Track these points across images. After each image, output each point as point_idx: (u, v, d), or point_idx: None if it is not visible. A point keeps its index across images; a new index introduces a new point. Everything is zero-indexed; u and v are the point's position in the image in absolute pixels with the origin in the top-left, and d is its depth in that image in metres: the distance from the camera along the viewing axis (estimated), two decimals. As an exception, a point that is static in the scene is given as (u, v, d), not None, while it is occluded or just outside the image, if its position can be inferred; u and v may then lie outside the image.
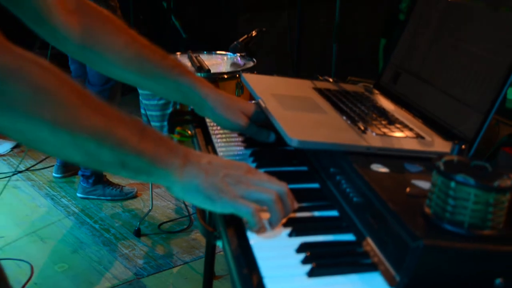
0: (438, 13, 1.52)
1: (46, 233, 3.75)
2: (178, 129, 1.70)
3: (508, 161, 1.34)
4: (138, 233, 3.71)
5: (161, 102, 3.19)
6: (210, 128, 1.55)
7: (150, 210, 3.90)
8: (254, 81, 1.56)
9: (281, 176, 1.09)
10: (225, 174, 1.03)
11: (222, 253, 2.81)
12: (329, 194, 1.16)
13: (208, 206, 1.04)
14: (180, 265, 3.42)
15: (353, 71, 3.99)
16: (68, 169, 4.48)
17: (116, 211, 4.04)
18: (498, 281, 0.86)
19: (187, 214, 3.87)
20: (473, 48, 1.35)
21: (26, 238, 3.68)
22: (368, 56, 7.08)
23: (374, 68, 7.06)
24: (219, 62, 3.18)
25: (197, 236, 3.67)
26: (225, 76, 2.89)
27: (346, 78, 4.51)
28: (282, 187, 1.04)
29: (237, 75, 2.90)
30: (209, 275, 2.17)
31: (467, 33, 1.39)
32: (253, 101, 1.47)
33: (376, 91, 1.64)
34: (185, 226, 3.79)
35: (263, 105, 1.37)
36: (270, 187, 1.04)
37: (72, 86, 0.93)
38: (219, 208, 1.02)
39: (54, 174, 4.51)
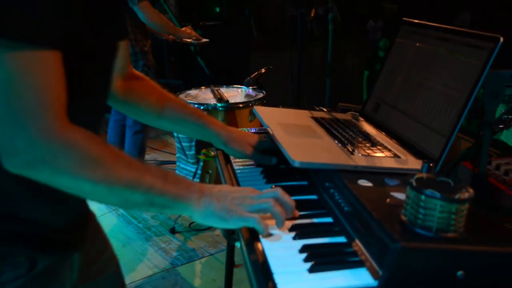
0: (409, 56, 1.52)
1: (99, 229, 3.75)
2: (203, 151, 1.74)
3: (466, 173, 1.33)
4: (173, 231, 3.71)
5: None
6: (228, 150, 1.54)
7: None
8: (263, 112, 1.57)
9: (285, 189, 1.09)
10: (232, 198, 1.06)
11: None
12: (324, 204, 1.15)
13: (223, 225, 1.06)
14: (207, 256, 3.41)
15: (343, 97, 4.00)
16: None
17: (155, 213, 4.03)
18: (460, 273, 0.86)
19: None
20: (436, 85, 1.34)
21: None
22: (355, 84, 7.09)
23: (359, 94, 7.07)
24: (236, 93, 3.18)
25: (220, 233, 3.66)
26: (241, 105, 2.89)
27: (337, 103, 4.50)
28: (275, 192, 1.06)
29: (250, 104, 2.91)
30: (230, 264, 2.17)
31: (432, 72, 1.39)
32: (256, 129, 1.48)
33: (361, 119, 1.63)
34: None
35: (270, 132, 1.37)
36: (266, 196, 1.05)
37: (108, 148, 0.98)
38: (231, 224, 1.05)
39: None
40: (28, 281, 1.08)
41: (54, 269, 1.16)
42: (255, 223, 1.02)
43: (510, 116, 1.72)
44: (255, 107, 1.63)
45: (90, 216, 1.34)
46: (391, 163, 1.23)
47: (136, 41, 3.80)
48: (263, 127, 1.52)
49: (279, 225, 1.03)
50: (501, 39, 1.15)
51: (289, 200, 1.07)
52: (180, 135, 3.20)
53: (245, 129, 1.62)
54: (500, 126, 1.74)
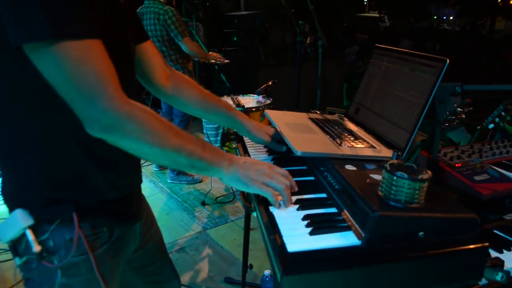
0: (381, 72, 1.50)
1: (150, 202, 3.75)
2: (227, 143, 1.73)
3: (423, 159, 1.32)
4: (203, 203, 3.70)
5: (215, 126, 3.20)
6: (246, 143, 1.53)
7: (210, 190, 3.90)
8: (272, 114, 1.56)
9: (290, 173, 1.09)
10: (255, 169, 1.05)
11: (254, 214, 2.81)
12: (320, 183, 1.15)
13: (245, 189, 1.06)
14: (229, 222, 3.41)
15: (329, 102, 4.00)
16: (162, 166, 4.49)
17: (190, 190, 4.02)
18: (421, 233, 0.87)
19: (232, 192, 3.84)
20: (402, 94, 1.33)
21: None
22: (336, 93, 7.08)
23: (340, 100, 7.08)
24: (249, 100, 3.17)
25: (239, 205, 3.66)
26: (253, 109, 2.89)
27: (325, 107, 4.49)
28: (288, 181, 1.06)
29: (260, 108, 2.90)
30: (247, 228, 2.18)
31: (398, 84, 1.37)
32: (272, 126, 1.48)
33: (346, 119, 1.62)
34: (231, 199, 3.77)
35: (278, 129, 1.36)
36: (282, 179, 1.05)
37: (162, 121, 0.95)
38: (251, 190, 1.04)
39: (154, 169, 4.50)
40: (109, 247, 1.08)
41: (125, 236, 1.16)
42: (269, 195, 1.02)
43: (453, 117, 1.71)
44: (266, 110, 1.61)
45: (143, 196, 1.33)
46: (369, 152, 1.22)
47: (184, 64, 3.82)
48: (272, 125, 1.51)
49: (286, 204, 1.02)
50: (448, 61, 1.15)
51: (295, 186, 1.07)
52: (208, 132, 3.20)
53: None
54: (446, 124, 1.73)
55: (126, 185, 1.14)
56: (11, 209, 1.01)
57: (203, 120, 3.34)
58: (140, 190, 1.27)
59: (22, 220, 0.98)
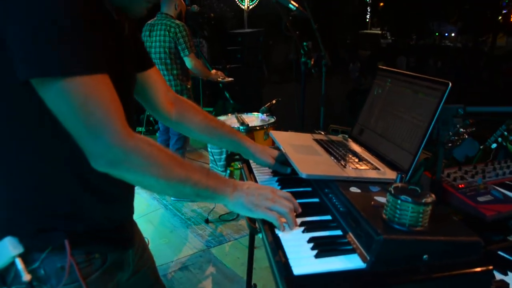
0: (384, 94, 1.52)
1: (153, 219, 3.76)
2: (232, 163, 1.75)
3: (426, 180, 1.33)
4: (207, 221, 3.69)
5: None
6: (251, 164, 1.54)
7: (214, 207, 3.88)
8: (277, 135, 1.57)
9: (294, 194, 1.11)
10: (258, 194, 1.06)
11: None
12: (325, 205, 1.15)
13: (249, 215, 1.06)
14: (232, 240, 3.40)
15: (332, 118, 4.02)
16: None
17: (193, 207, 4.01)
18: (425, 256, 0.87)
19: (236, 209, 3.83)
20: (405, 116, 1.34)
21: (141, 219, 3.71)
22: (340, 110, 7.11)
23: (343, 118, 7.11)
24: (253, 118, 3.19)
25: (242, 222, 3.65)
26: (257, 128, 2.91)
27: (329, 125, 4.49)
28: (292, 204, 1.06)
29: (265, 127, 2.92)
30: (251, 247, 2.18)
31: (402, 106, 1.38)
32: (273, 146, 1.49)
33: (350, 140, 1.63)
34: (235, 216, 3.75)
35: (283, 151, 1.37)
36: (285, 203, 1.05)
37: (166, 153, 0.97)
38: (256, 215, 1.05)
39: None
40: (102, 273, 1.07)
41: (118, 262, 1.15)
42: (274, 220, 1.02)
43: (456, 137, 1.73)
44: (271, 131, 1.62)
45: (135, 223, 1.32)
46: (374, 174, 1.23)
47: (183, 81, 3.87)
48: (276, 145, 1.53)
49: (291, 226, 1.03)
50: (450, 84, 1.17)
51: (298, 208, 1.08)
52: (212, 150, 3.22)
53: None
54: (449, 144, 1.75)
55: (119, 216, 1.15)
56: (0, 237, 0.98)
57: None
58: (132, 218, 1.28)
59: (11, 248, 0.96)
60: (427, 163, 2.03)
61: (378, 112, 1.51)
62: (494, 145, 2.00)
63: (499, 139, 2.00)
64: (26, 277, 0.96)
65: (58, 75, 0.82)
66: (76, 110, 0.85)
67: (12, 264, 0.97)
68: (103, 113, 0.86)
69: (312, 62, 1.92)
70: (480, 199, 1.22)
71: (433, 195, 0.92)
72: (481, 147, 2.06)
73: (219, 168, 2.91)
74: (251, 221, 1.33)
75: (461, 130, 1.72)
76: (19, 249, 0.96)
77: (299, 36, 1.86)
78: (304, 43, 1.90)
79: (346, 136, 1.65)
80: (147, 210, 3.93)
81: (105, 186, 1.03)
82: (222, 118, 3.20)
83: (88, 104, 0.85)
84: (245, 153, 1.43)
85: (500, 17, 27.82)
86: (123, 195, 1.15)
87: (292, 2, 1.64)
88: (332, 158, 1.36)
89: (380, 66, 1.61)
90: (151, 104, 1.33)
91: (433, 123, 1.19)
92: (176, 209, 4.00)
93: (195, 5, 4.79)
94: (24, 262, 0.97)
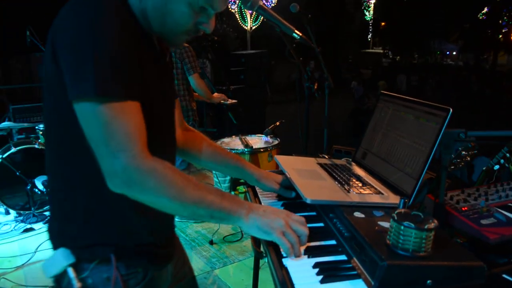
0: (386, 119, 1.54)
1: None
2: (238, 187, 1.78)
3: (430, 203, 1.34)
4: (211, 242, 3.69)
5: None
6: (256, 188, 1.55)
7: (218, 228, 3.89)
8: (282, 159, 1.59)
9: (299, 218, 1.12)
10: (274, 218, 1.06)
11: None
12: (329, 230, 1.17)
13: (264, 237, 1.06)
14: (237, 262, 3.39)
15: (335, 138, 4.05)
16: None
17: (198, 229, 4.01)
18: (429, 281, 0.89)
19: (240, 231, 3.82)
20: (407, 141, 1.36)
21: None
22: (343, 129, 7.14)
23: (346, 136, 7.13)
24: (257, 140, 3.21)
25: (246, 244, 3.64)
26: (261, 150, 2.93)
27: (332, 145, 4.51)
28: (306, 229, 1.07)
29: (269, 149, 2.94)
30: (256, 268, 2.18)
31: (404, 131, 1.40)
32: (278, 170, 1.51)
33: (354, 164, 1.65)
34: (239, 238, 3.75)
35: (288, 176, 1.39)
36: (300, 228, 1.06)
37: (181, 175, 1.00)
38: (270, 239, 1.05)
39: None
40: (143, 286, 1.13)
41: (158, 276, 1.20)
42: (286, 247, 1.03)
43: (459, 160, 1.75)
44: (275, 156, 1.65)
45: (176, 237, 1.37)
46: (377, 199, 1.25)
47: (189, 102, 3.92)
48: (280, 169, 1.54)
49: (297, 256, 1.03)
50: (451, 110, 1.20)
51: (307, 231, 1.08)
52: (216, 171, 3.24)
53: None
54: (452, 167, 1.77)
55: (162, 232, 1.21)
56: (55, 247, 1.10)
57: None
58: (174, 232, 1.34)
59: (64, 258, 1.07)
60: (430, 184, 2.04)
61: (381, 136, 1.53)
62: (496, 167, 2.01)
63: (502, 161, 2.01)
64: (77, 284, 1.06)
65: (92, 96, 0.90)
66: (101, 129, 0.92)
67: (65, 272, 1.07)
68: (125, 135, 0.93)
69: (315, 87, 1.96)
70: (483, 222, 1.24)
71: (435, 221, 0.94)
72: (484, 168, 2.07)
73: (224, 191, 2.93)
74: (256, 245, 1.35)
75: (463, 153, 1.75)
76: (71, 259, 1.07)
77: (302, 62, 1.90)
78: (308, 68, 1.94)
79: (350, 159, 1.67)
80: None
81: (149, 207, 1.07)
82: (226, 140, 3.23)
83: (113, 125, 0.92)
84: (250, 180, 1.46)
85: (500, 36, 28.05)
86: (165, 216, 1.18)
87: (296, 31, 1.68)
88: (336, 182, 1.38)
89: (382, 91, 1.64)
90: None
91: (434, 148, 1.21)
92: (180, 230, 4.00)
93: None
94: (76, 271, 1.07)
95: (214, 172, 3.27)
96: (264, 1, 7.95)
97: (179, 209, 1.01)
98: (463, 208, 1.31)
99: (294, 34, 1.67)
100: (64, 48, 0.93)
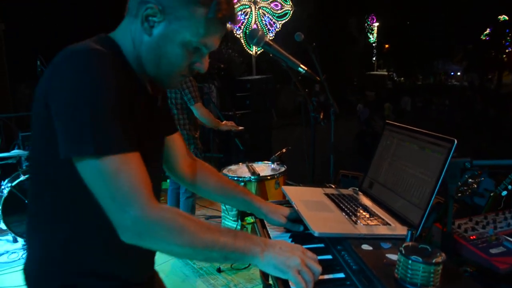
0: (392, 149, 1.55)
1: (164, 268, 3.73)
2: (246, 218, 1.78)
3: (437, 232, 1.34)
4: (219, 270, 3.65)
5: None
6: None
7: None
8: (289, 191, 1.60)
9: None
10: (290, 255, 1.04)
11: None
12: (338, 263, 1.16)
13: (280, 276, 1.04)
14: (245, 290, 3.37)
15: (342, 163, 4.05)
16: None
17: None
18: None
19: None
20: (413, 171, 1.37)
21: (154, 273, 3.67)
22: (349, 152, 7.14)
23: (352, 159, 7.14)
24: (264, 168, 3.22)
25: (254, 271, 3.61)
26: (268, 177, 2.94)
27: (338, 170, 4.50)
28: (320, 267, 1.06)
29: (275, 176, 2.95)
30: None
31: (409, 161, 1.41)
32: (285, 200, 1.52)
33: (361, 193, 1.65)
34: (246, 265, 3.69)
35: (296, 208, 1.40)
36: (315, 267, 1.05)
37: (191, 220, 1.00)
38: (287, 277, 1.03)
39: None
40: None
41: None
42: (301, 287, 1.02)
43: (465, 188, 1.75)
44: (283, 187, 1.66)
45: (155, 273, 1.36)
46: (384, 231, 1.25)
47: (190, 131, 3.95)
48: (288, 200, 1.56)
49: None
50: (456, 142, 1.21)
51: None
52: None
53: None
54: (459, 194, 1.77)
55: (141, 273, 1.21)
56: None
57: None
58: (152, 272, 1.34)
59: None
60: (439, 209, 2.04)
61: (387, 166, 1.55)
62: (504, 193, 2.01)
63: (509, 187, 2.01)
64: None
65: (93, 154, 0.92)
66: (106, 185, 0.93)
67: None
68: (130, 189, 0.94)
69: (321, 117, 1.98)
70: (493, 251, 1.23)
71: (443, 254, 0.94)
72: (491, 194, 2.06)
73: (231, 218, 2.92)
74: (265, 277, 1.35)
75: (470, 180, 1.75)
76: None
77: (308, 94, 1.93)
78: (313, 99, 1.97)
79: (357, 189, 1.68)
80: (159, 260, 3.90)
81: (129, 247, 1.07)
82: (233, 167, 3.24)
83: (117, 179, 0.93)
84: (257, 213, 1.47)
85: (504, 56, 28.18)
86: (146, 254, 1.20)
87: (301, 66, 1.71)
88: (343, 213, 1.39)
89: (388, 121, 1.65)
90: (170, 166, 1.41)
91: (440, 179, 1.22)
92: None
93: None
94: None
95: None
96: (268, 26, 8.06)
97: (193, 255, 1.01)
98: (471, 237, 1.31)
99: (300, 69, 1.71)
100: (58, 103, 0.94)
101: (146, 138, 1.10)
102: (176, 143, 1.39)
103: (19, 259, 3.98)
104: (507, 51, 28.06)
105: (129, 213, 0.93)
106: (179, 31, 1.03)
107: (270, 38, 7.94)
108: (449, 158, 1.20)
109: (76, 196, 1.02)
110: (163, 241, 0.97)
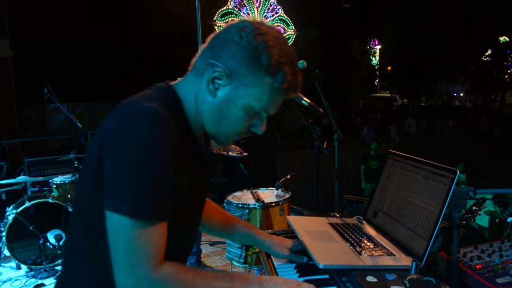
0: (395, 178, 1.56)
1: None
2: (251, 248, 1.79)
3: (443, 260, 1.34)
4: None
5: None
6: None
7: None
8: (293, 220, 1.60)
9: (312, 282, 1.13)
10: None
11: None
12: None
13: None
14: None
15: (347, 186, 4.06)
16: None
17: None
18: None
19: None
20: (416, 201, 1.38)
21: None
22: (353, 174, 7.13)
23: (356, 182, 7.12)
24: (269, 194, 3.21)
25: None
26: (273, 204, 2.93)
27: (343, 195, 4.50)
28: None
29: (280, 203, 2.95)
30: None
31: (413, 191, 1.42)
32: (289, 229, 1.52)
33: (365, 222, 1.65)
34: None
35: (300, 239, 1.41)
36: None
37: (189, 272, 1.04)
38: None
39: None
40: None
41: None
42: None
43: (470, 215, 1.75)
44: (287, 217, 1.66)
45: None
46: (389, 261, 1.25)
47: None
48: (291, 229, 1.57)
49: None
50: (458, 172, 1.22)
51: None
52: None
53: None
54: (463, 222, 1.77)
55: None
56: None
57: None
58: None
59: None
60: (444, 233, 2.03)
61: (391, 195, 1.55)
62: (510, 219, 2.00)
63: (515, 213, 2.00)
64: None
65: (126, 214, 0.96)
66: (124, 243, 0.98)
67: None
68: (144, 253, 0.98)
69: (325, 145, 2.01)
70: (499, 280, 1.22)
71: (448, 287, 0.94)
72: (497, 220, 2.06)
73: (236, 245, 2.91)
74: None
75: (474, 208, 1.75)
76: None
77: (312, 124, 1.96)
78: (317, 128, 2.00)
79: (361, 218, 1.69)
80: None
81: None
82: (237, 194, 3.24)
83: (136, 243, 0.98)
84: (262, 247, 1.49)
85: (506, 76, 28.32)
86: None
87: (305, 98, 1.74)
88: (348, 244, 1.39)
89: (391, 150, 1.67)
90: None
91: (444, 209, 1.22)
92: None
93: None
94: None
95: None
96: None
97: None
98: (477, 266, 1.30)
99: (303, 101, 1.74)
100: (110, 158, 0.99)
101: (196, 189, 1.16)
102: None
103: (22, 286, 3.95)
104: (509, 71, 28.22)
105: (133, 274, 0.97)
106: (243, 96, 1.08)
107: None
108: (452, 188, 1.20)
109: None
110: None
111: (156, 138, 0.98)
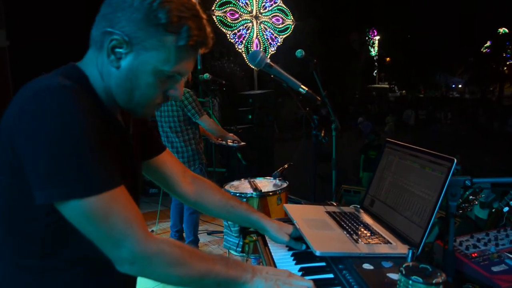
0: (393, 167, 1.57)
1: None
2: (248, 236, 1.78)
3: (439, 250, 1.35)
4: None
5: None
6: (266, 237, 1.57)
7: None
8: (291, 209, 1.61)
9: (309, 269, 1.15)
10: (276, 279, 1.08)
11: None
12: (339, 281, 1.16)
13: None
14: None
15: (345, 176, 4.07)
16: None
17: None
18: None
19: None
20: (413, 189, 1.38)
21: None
22: (351, 164, 7.14)
23: (354, 172, 7.13)
24: (267, 184, 3.21)
25: None
26: (270, 193, 2.94)
27: (340, 185, 4.50)
28: (309, 284, 1.09)
29: (277, 192, 2.96)
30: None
31: (410, 180, 1.42)
32: (287, 218, 1.52)
33: (362, 211, 1.66)
34: None
35: (297, 226, 1.41)
36: (302, 284, 1.08)
37: (186, 250, 1.03)
38: None
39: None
40: None
41: None
42: None
43: (466, 204, 1.76)
44: (285, 205, 1.67)
45: None
46: (385, 249, 1.26)
47: (195, 145, 3.98)
48: (288, 217, 1.57)
49: None
50: (455, 160, 1.22)
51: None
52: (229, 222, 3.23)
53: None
54: (460, 211, 1.77)
55: None
56: None
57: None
58: None
59: None
60: (441, 224, 2.04)
61: (388, 184, 1.56)
62: (506, 209, 2.01)
63: (511, 202, 2.01)
64: None
65: (79, 197, 0.90)
66: (98, 225, 0.93)
67: None
68: (124, 224, 0.95)
69: (322, 134, 2.00)
70: (495, 269, 1.23)
71: (444, 274, 0.94)
72: (493, 210, 2.07)
73: (233, 234, 2.92)
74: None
75: (471, 197, 1.76)
76: None
77: (309, 112, 1.95)
78: (315, 117, 1.99)
79: (358, 207, 1.69)
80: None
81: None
82: (235, 183, 3.24)
83: (109, 218, 0.93)
84: (261, 230, 1.48)
85: (505, 68, 28.31)
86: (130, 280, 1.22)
87: (302, 86, 1.73)
88: (345, 232, 1.40)
89: (388, 139, 1.67)
90: (170, 186, 1.40)
91: (441, 198, 1.23)
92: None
93: (207, 73, 4.98)
94: None
95: (225, 223, 3.27)
96: (270, 40, 8.12)
97: (188, 283, 1.03)
98: (473, 255, 1.31)
99: (301, 89, 1.73)
100: (32, 149, 0.89)
101: (122, 170, 1.06)
102: (167, 162, 1.38)
103: None
104: (508, 63, 28.19)
105: (125, 248, 0.94)
106: (149, 61, 0.99)
107: (272, 53, 8.05)
108: (449, 177, 1.21)
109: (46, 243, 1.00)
110: (161, 272, 0.99)
111: (73, 107, 0.90)
